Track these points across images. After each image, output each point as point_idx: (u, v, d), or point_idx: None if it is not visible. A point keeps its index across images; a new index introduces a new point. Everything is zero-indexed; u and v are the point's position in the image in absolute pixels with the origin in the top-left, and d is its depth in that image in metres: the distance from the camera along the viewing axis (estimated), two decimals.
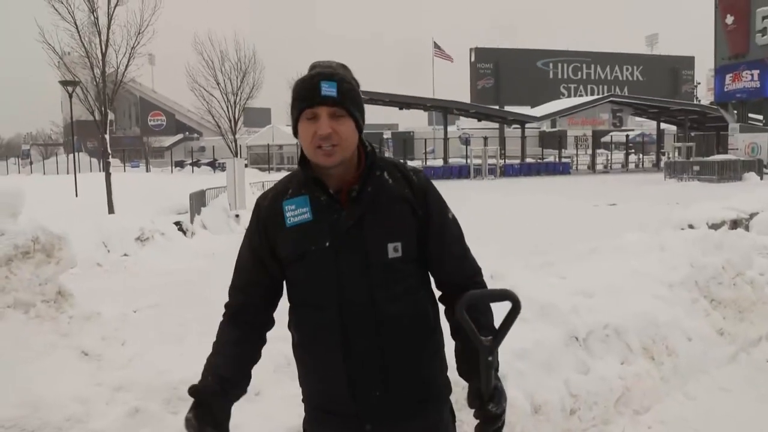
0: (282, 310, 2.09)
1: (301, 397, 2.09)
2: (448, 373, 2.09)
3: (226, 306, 2.06)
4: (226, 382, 1.94)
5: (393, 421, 1.95)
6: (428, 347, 2.01)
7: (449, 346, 2.05)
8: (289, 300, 2.04)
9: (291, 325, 2.05)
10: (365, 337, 1.89)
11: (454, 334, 1.99)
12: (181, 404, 3.14)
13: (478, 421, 1.82)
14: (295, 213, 1.93)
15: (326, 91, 1.85)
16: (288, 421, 3.22)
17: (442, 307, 2.06)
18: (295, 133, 1.94)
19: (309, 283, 1.94)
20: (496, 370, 1.83)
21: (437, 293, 2.07)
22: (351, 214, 1.89)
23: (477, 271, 2.05)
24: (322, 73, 1.89)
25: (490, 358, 1.76)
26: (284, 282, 2.03)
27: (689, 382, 4.92)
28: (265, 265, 1.99)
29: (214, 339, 2.03)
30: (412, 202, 1.95)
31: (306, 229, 1.91)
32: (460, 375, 1.98)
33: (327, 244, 1.89)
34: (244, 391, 2.02)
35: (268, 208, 1.99)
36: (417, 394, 1.97)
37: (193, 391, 1.92)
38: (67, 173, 46.23)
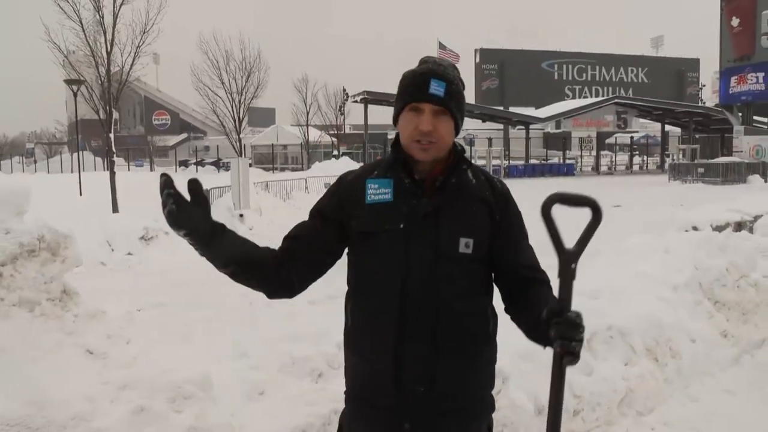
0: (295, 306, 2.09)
1: (344, 389, 2.08)
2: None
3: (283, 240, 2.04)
4: (223, 227, 1.92)
5: (431, 424, 1.92)
6: (483, 355, 2.00)
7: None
8: (350, 283, 2.03)
9: (348, 309, 2.03)
10: (422, 328, 1.88)
11: (532, 332, 1.90)
12: (187, 403, 3.15)
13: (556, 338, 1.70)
14: (377, 192, 1.94)
15: (434, 90, 1.89)
16: (292, 420, 3.23)
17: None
18: (395, 122, 1.98)
19: (376, 264, 1.93)
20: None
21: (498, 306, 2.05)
22: (431, 201, 1.91)
23: (546, 280, 2.03)
24: (434, 70, 1.92)
25: (573, 266, 1.72)
26: (332, 261, 2.02)
27: (693, 384, 4.92)
28: (326, 229, 1.98)
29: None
30: (491, 204, 1.97)
31: (384, 209, 1.92)
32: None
33: (401, 226, 1.90)
34: (231, 250, 1.92)
35: (350, 183, 2.01)
36: (461, 400, 1.95)
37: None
38: (71, 172, 46.33)
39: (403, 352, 1.89)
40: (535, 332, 1.85)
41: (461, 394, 1.95)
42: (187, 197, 1.79)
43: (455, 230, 1.91)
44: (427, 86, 1.89)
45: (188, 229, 1.79)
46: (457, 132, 1.97)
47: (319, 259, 2.01)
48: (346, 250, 2.04)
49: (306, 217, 2.07)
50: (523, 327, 1.93)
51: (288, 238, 2.01)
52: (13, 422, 2.68)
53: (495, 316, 2.04)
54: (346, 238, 2.00)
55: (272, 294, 2.01)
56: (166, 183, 1.77)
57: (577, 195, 1.80)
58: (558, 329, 1.68)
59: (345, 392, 2.08)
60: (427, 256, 1.89)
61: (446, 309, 1.88)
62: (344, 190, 2.00)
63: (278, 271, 1.95)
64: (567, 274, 1.72)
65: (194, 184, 1.80)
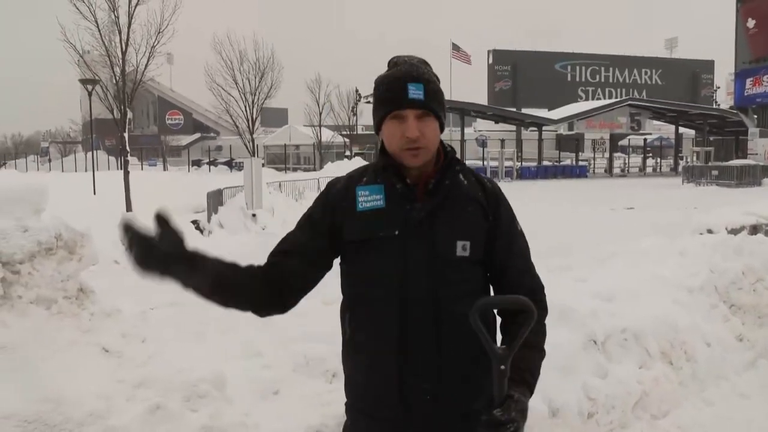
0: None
1: (345, 400, 2.06)
2: None
3: (270, 255, 1.99)
4: (200, 257, 1.83)
5: None
6: (486, 358, 1.99)
7: None
8: (346, 293, 2.00)
9: (345, 320, 1.99)
10: (423, 334, 1.84)
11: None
12: (201, 402, 3.16)
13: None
14: (368, 199, 1.91)
15: (414, 94, 1.85)
16: (306, 420, 3.23)
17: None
18: (377, 130, 1.95)
19: (372, 272, 1.90)
20: (531, 387, 1.82)
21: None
22: (425, 206, 1.89)
23: (538, 288, 2.00)
24: (409, 73, 1.88)
25: (502, 367, 1.71)
26: (324, 273, 1.99)
27: (708, 388, 4.88)
28: (318, 240, 1.94)
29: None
30: (484, 205, 1.95)
31: (376, 216, 1.89)
32: None
33: (396, 232, 1.87)
34: (202, 277, 1.81)
35: (339, 192, 1.97)
36: (467, 406, 1.91)
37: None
38: (86, 171, 46.54)
39: (405, 362, 1.86)
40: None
41: (467, 398, 1.92)
42: (153, 232, 1.71)
43: (451, 233, 1.88)
44: (405, 91, 1.84)
45: (159, 270, 1.72)
46: (441, 129, 1.94)
47: (311, 272, 1.97)
48: (338, 261, 2.00)
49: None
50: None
51: (277, 254, 1.96)
52: (31, 419, 2.70)
53: (495, 318, 2.01)
54: (337, 248, 1.96)
55: (262, 312, 1.97)
56: (126, 227, 1.71)
57: (507, 298, 1.84)
58: (486, 430, 1.69)
59: (345, 404, 2.06)
60: (424, 262, 1.86)
61: (447, 313, 1.86)
62: (334, 199, 1.96)
63: (269, 289, 1.91)
64: (499, 374, 1.71)
65: (162, 216, 1.73)
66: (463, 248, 1.88)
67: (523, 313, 1.74)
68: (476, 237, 1.91)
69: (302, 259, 1.93)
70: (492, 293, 2.00)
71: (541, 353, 1.94)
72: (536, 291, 1.99)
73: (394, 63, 1.94)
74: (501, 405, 1.69)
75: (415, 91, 1.84)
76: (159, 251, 1.70)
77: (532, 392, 1.84)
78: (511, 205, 2.03)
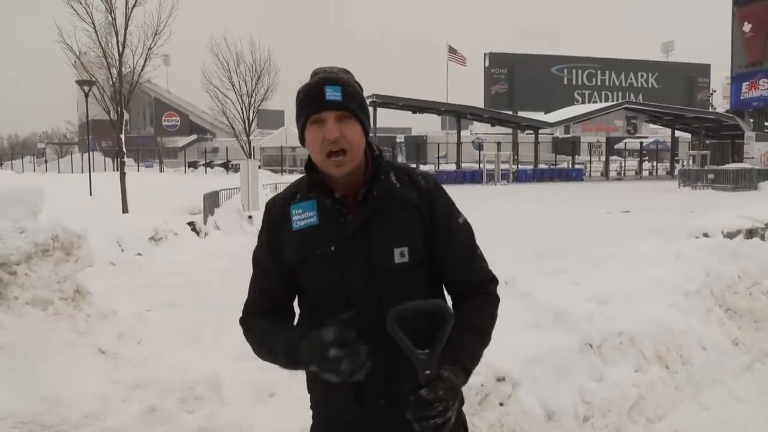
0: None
1: (309, 404, 2.07)
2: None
3: (251, 306, 2.02)
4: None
5: None
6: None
7: None
8: (299, 304, 2.02)
9: (303, 328, 1.98)
10: (371, 343, 1.79)
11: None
12: (197, 404, 3.16)
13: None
14: (302, 217, 1.91)
15: (331, 96, 1.83)
16: (302, 422, 3.22)
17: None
18: (302, 141, 1.92)
19: (315, 288, 1.92)
20: (466, 366, 1.80)
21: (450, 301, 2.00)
22: (357, 218, 1.88)
23: (486, 279, 1.99)
24: (325, 78, 1.87)
25: (428, 372, 1.68)
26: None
27: (704, 392, 4.90)
28: (282, 264, 1.96)
29: (258, 335, 1.98)
30: (419, 206, 1.93)
31: (311, 233, 1.89)
32: None
33: (332, 248, 1.87)
34: None
35: (277, 213, 1.97)
36: None
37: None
38: (82, 172, 46.56)
39: None
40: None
41: None
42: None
43: (387, 242, 1.88)
44: (322, 94, 1.84)
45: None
46: (366, 135, 1.92)
47: (292, 285, 2.00)
48: None
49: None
50: None
51: (261, 294, 2.00)
52: (27, 420, 2.70)
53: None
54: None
55: None
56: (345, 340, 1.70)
57: (423, 303, 1.80)
58: (413, 411, 1.67)
59: (311, 407, 2.07)
60: (364, 274, 1.86)
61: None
62: (273, 221, 1.97)
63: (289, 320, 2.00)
64: (425, 379, 1.69)
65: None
66: (401, 254, 1.88)
67: (444, 315, 1.73)
68: (414, 241, 1.90)
69: (286, 290, 1.99)
70: (445, 293, 2.00)
71: (483, 336, 1.92)
72: (484, 282, 1.98)
73: (314, 73, 1.93)
74: (428, 384, 1.67)
75: (332, 93, 1.84)
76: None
77: (467, 373, 1.82)
78: (450, 198, 2.01)
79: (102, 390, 3.02)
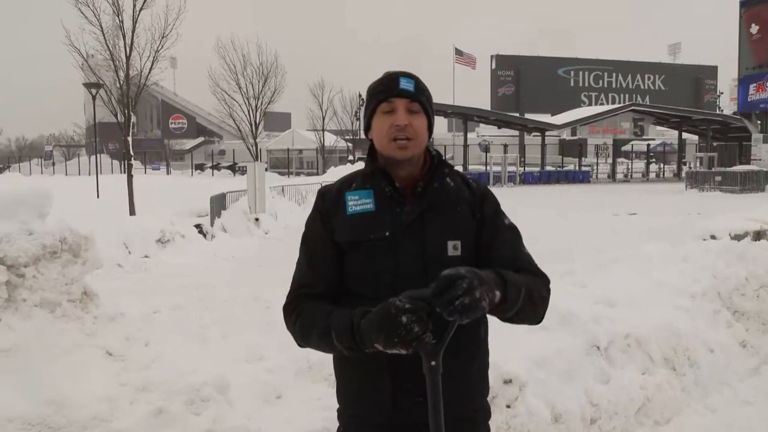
0: None
1: (337, 407, 2.04)
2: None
3: (299, 290, 1.98)
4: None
5: None
6: (476, 359, 1.97)
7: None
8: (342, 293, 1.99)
9: None
10: None
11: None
12: (204, 406, 3.17)
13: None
14: (358, 203, 1.94)
15: (404, 85, 1.93)
16: (309, 424, 3.23)
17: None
18: (367, 130, 1.99)
19: (365, 274, 1.91)
20: (501, 274, 1.76)
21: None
22: (414, 208, 1.92)
23: (537, 271, 1.97)
24: (401, 72, 1.96)
25: (433, 363, 1.69)
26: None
27: (711, 394, 4.88)
28: (333, 248, 1.95)
29: (308, 319, 1.91)
30: (471, 204, 1.98)
31: (366, 218, 1.92)
32: None
33: (387, 234, 1.89)
34: None
35: (330, 200, 1.99)
36: (458, 408, 1.88)
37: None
38: (89, 174, 46.69)
39: (398, 366, 1.84)
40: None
41: (459, 400, 1.90)
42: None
43: (442, 234, 1.91)
44: (397, 83, 1.93)
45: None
46: (430, 132, 1.98)
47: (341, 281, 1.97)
48: None
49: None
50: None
51: (314, 282, 1.96)
52: (34, 422, 2.71)
53: (486, 321, 2.00)
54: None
55: None
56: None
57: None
58: (436, 295, 1.61)
59: (338, 410, 2.05)
60: (416, 263, 1.88)
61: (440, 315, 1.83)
62: (325, 207, 1.99)
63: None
64: (429, 370, 1.70)
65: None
66: (454, 248, 1.91)
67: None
68: (466, 236, 1.94)
69: (335, 273, 1.96)
70: None
71: (528, 286, 1.85)
72: (527, 271, 1.95)
73: (387, 74, 2.01)
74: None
75: (406, 83, 1.93)
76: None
77: (504, 280, 1.75)
78: (498, 201, 2.06)
79: (109, 392, 3.03)
